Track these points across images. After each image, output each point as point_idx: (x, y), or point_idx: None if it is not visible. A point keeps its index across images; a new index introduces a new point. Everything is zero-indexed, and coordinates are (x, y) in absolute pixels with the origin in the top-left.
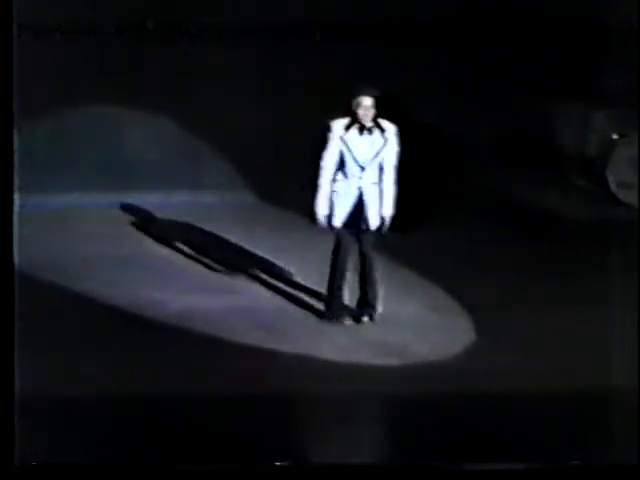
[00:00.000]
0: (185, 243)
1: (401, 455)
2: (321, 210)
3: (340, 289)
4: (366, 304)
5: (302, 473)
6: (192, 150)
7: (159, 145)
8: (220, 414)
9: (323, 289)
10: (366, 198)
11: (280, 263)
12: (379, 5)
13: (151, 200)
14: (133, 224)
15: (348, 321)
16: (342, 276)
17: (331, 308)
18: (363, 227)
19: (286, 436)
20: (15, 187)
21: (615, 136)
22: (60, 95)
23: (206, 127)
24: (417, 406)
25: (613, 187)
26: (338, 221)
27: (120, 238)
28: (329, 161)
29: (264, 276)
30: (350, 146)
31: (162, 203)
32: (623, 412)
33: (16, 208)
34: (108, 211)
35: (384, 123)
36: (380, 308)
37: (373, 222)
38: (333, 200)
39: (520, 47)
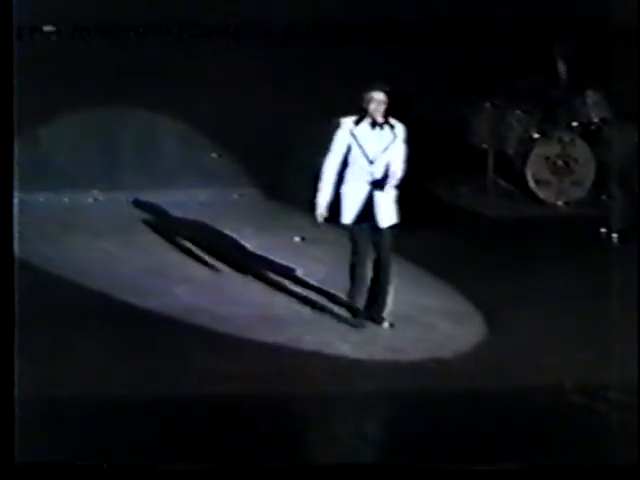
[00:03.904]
0: (191, 241)
1: (407, 455)
2: (321, 210)
3: (360, 293)
4: (374, 307)
5: (304, 473)
6: (194, 149)
7: (158, 145)
8: (221, 414)
9: (334, 288)
10: (376, 194)
11: (288, 262)
12: (388, 5)
13: (152, 199)
14: (132, 221)
15: (367, 326)
16: (362, 279)
17: (357, 315)
18: (376, 225)
19: (290, 435)
20: (15, 187)
21: (536, 135)
22: (60, 95)
23: (209, 126)
24: (425, 405)
25: (532, 184)
26: (348, 218)
27: (120, 236)
28: (333, 161)
29: (272, 276)
30: (360, 140)
31: (164, 202)
32: (623, 412)
33: (16, 207)
34: (108, 209)
35: (393, 120)
36: (391, 306)
37: (385, 220)
38: (342, 199)
39: (444, 47)
